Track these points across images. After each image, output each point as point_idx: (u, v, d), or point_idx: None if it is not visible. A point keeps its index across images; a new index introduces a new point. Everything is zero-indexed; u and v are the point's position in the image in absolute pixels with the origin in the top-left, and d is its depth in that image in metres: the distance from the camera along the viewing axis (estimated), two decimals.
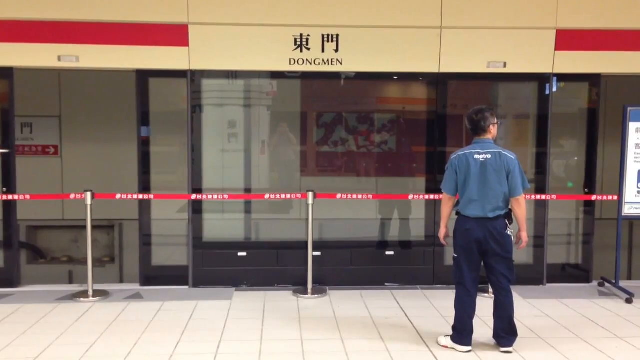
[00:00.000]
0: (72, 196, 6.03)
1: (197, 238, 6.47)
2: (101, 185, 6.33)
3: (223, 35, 6.24)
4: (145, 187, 6.34)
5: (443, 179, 4.83)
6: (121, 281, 6.52)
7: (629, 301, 5.99)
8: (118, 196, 6.11)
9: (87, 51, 6.12)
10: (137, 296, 6.08)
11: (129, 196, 6.15)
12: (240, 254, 6.51)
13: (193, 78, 6.34)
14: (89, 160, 6.37)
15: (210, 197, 6.38)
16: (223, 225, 6.79)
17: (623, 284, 6.32)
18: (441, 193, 4.89)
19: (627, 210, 6.25)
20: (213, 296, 6.11)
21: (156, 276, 6.45)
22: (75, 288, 6.32)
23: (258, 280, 6.48)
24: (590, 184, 6.61)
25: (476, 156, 4.64)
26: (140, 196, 6.22)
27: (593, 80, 6.59)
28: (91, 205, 5.99)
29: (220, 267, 6.49)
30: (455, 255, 4.74)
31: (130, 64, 6.20)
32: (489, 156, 4.62)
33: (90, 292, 6.00)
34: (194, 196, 6.34)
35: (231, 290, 6.34)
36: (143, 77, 6.29)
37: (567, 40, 6.38)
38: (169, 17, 6.16)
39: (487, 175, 4.60)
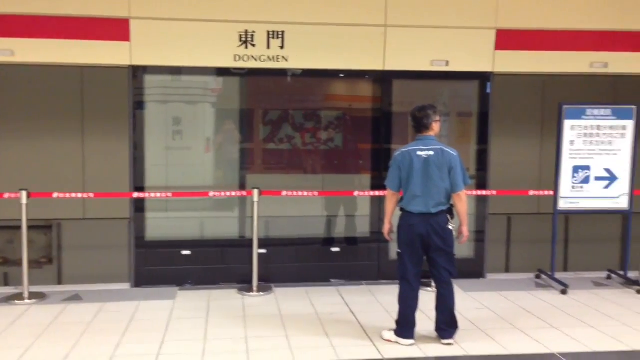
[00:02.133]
0: (6, 195, 5.81)
1: (140, 237, 6.34)
2: (39, 184, 6.12)
3: (166, 31, 6.13)
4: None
5: (387, 176, 4.89)
6: (60, 283, 6.31)
7: (563, 292, 6.21)
8: (55, 195, 5.92)
9: (23, 45, 5.92)
10: (75, 298, 5.91)
11: (67, 195, 5.97)
12: (184, 252, 6.42)
13: (135, 74, 6.21)
14: (25, 158, 6.14)
15: (152, 195, 6.25)
16: (166, 223, 6.68)
17: (559, 275, 6.55)
18: (386, 189, 4.94)
19: (562, 204, 6.47)
20: (156, 296, 6.00)
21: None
22: (10, 290, 6.09)
23: (202, 279, 6.40)
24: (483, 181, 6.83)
25: (419, 153, 4.71)
26: (79, 195, 6.04)
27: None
28: (27, 204, 5.79)
29: (164, 266, 6.39)
30: (399, 251, 4.81)
31: (69, 58, 6.02)
32: (431, 153, 4.70)
33: (26, 295, 5.80)
34: (135, 194, 6.21)
35: (174, 289, 6.24)
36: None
37: (507, 40, 6.55)
38: (110, 11, 6.02)
39: (430, 171, 4.68)
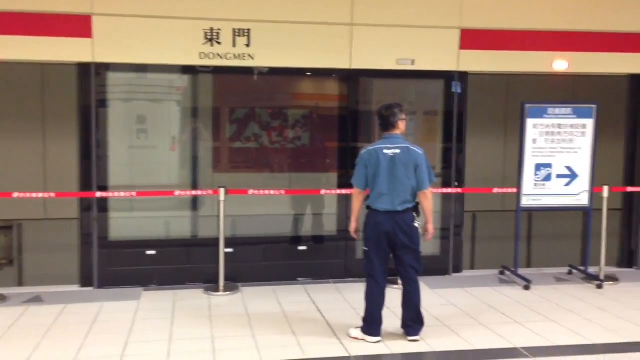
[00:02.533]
0: None
1: (103, 237, 6.23)
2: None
3: (130, 27, 6.03)
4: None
5: (353, 174, 4.90)
6: (20, 284, 6.17)
7: (526, 288, 6.32)
8: (15, 195, 5.78)
9: None
10: (37, 299, 5.78)
11: (28, 195, 5.83)
12: (149, 252, 6.34)
13: (98, 71, 6.10)
14: None
15: (116, 194, 6.15)
16: (131, 223, 6.58)
17: (522, 271, 6.66)
18: (353, 188, 4.96)
19: (525, 202, 6.58)
20: (120, 297, 5.91)
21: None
22: None
23: (168, 279, 6.33)
24: (459, 178, 6.91)
25: (385, 151, 4.74)
26: (40, 195, 5.91)
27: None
28: None
29: (128, 266, 6.29)
30: (366, 249, 4.83)
31: (29, 55, 5.88)
32: (397, 151, 4.73)
33: None
34: (98, 194, 6.10)
35: (139, 290, 6.16)
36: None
37: (471, 39, 6.63)
38: (71, 7, 5.90)
39: (396, 169, 4.71)
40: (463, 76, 6.79)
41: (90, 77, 6.05)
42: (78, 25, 5.90)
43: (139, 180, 6.54)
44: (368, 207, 4.85)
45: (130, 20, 6.03)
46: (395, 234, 4.72)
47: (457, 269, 6.98)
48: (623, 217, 7.32)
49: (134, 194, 6.22)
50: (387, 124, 4.83)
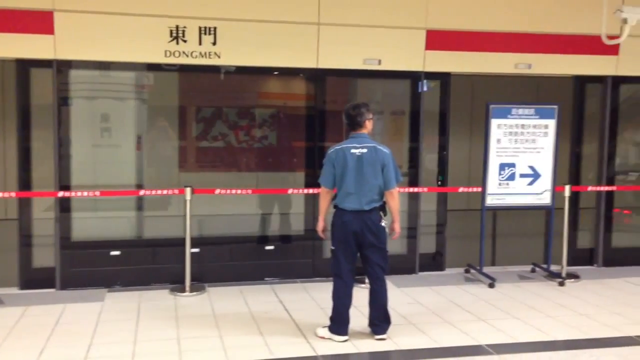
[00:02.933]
0: None
1: (65, 238, 6.11)
2: None
3: (93, 24, 5.92)
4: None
5: (321, 173, 4.91)
6: None
7: (491, 286, 6.42)
8: None
9: None
10: None
11: None
12: (113, 253, 6.24)
13: (60, 68, 5.97)
14: None
15: (79, 194, 6.03)
16: (95, 223, 6.46)
17: (487, 270, 6.76)
18: (320, 187, 4.96)
19: (490, 201, 6.68)
20: (83, 298, 5.80)
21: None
22: None
23: (133, 280, 6.24)
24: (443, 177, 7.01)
25: (353, 150, 4.75)
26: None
27: (463, 78, 6.97)
28: None
29: (92, 267, 6.18)
30: (333, 248, 4.84)
31: None
32: (365, 150, 4.75)
33: None
34: (60, 193, 5.97)
35: (103, 291, 6.06)
36: (22, 67, 5.87)
37: (437, 40, 6.70)
38: (32, 3, 5.76)
39: (363, 169, 4.73)
40: (446, 76, 6.87)
41: (52, 74, 5.92)
42: (39, 22, 5.77)
43: (103, 180, 6.42)
44: (335, 207, 4.86)
45: (94, 17, 5.92)
46: (362, 233, 4.74)
47: (440, 267, 7.06)
48: (568, 216, 7.18)
49: (97, 193, 6.11)
50: (355, 124, 4.85)
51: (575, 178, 7.33)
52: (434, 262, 7.08)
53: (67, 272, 6.12)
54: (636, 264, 7.42)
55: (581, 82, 7.26)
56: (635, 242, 7.71)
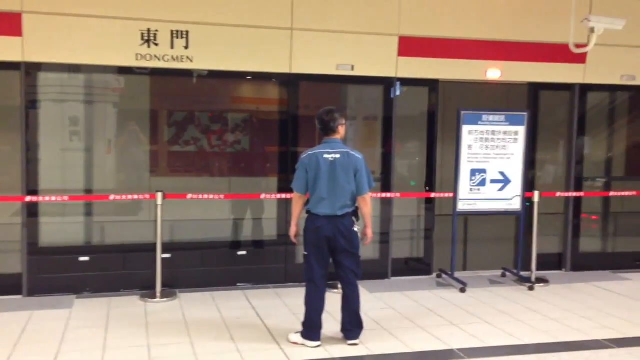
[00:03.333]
0: None
1: (33, 243, 5.99)
2: None
3: (62, 26, 5.84)
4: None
5: (294, 177, 4.90)
6: None
7: (462, 290, 6.48)
8: None
9: None
10: None
11: None
12: (82, 258, 6.13)
13: (28, 71, 5.87)
14: None
15: (47, 198, 5.92)
16: (63, 228, 6.34)
17: (458, 274, 6.82)
18: (293, 192, 4.95)
19: (461, 206, 6.74)
20: (51, 305, 5.69)
21: None
22: None
23: (102, 286, 6.14)
24: (430, 183, 7.06)
25: (326, 155, 4.75)
26: None
27: (433, 85, 7.04)
28: None
29: (60, 273, 6.07)
30: (306, 253, 4.82)
31: None
32: (337, 156, 4.75)
33: None
34: (28, 198, 5.86)
35: (72, 297, 5.95)
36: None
37: (409, 46, 6.75)
38: (0, 5, 5.65)
39: (336, 174, 4.73)
40: (434, 83, 6.94)
41: (20, 76, 5.82)
42: (7, 24, 5.67)
43: (72, 184, 6.32)
44: (308, 212, 4.86)
45: (63, 19, 5.84)
46: (335, 239, 4.74)
47: (429, 272, 7.12)
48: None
49: (66, 198, 6.00)
50: (328, 129, 4.86)
51: (530, 184, 7.38)
52: (423, 267, 7.15)
53: (35, 278, 6.00)
54: (603, 268, 7.58)
55: (535, 89, 7.35)
56: (602, 247, 7.87)
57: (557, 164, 7.75)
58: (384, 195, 6.85)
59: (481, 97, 7.33)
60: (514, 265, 7.29)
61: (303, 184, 4.83)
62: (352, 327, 4.85)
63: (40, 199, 5.91)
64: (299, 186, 4.86)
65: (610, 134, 7.93)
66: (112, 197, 6.13)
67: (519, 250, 7.04)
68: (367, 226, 4.91)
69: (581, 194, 7.48)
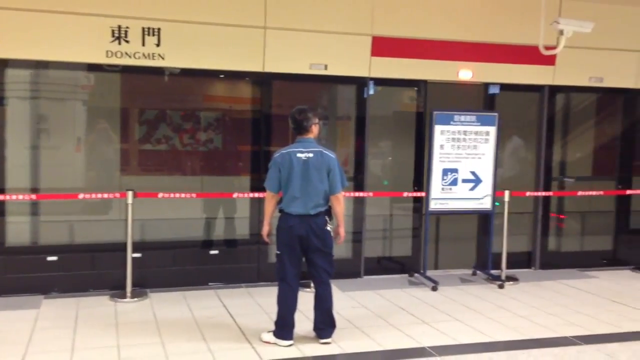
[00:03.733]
0: None
1: None
2: None
3: (30, 22, 5.73)
4: None
5: (267, 176, 4.88)
6: None
7: (434, 289, 6.53)
8: None
9: None
10: None
11: None
12: (50, 258, 6.03)
13: None
14: None
15: (14, 197, 5.80)
16: (30, 228, 6.22)
17: (430, 273, 6.88)
18: (265, 191, 4.93)
19: (433, 205, 6.80)
20: (17, 306, 5.58)
21: None
22: None
23: (71, 286, 6.04)
24: (418, 182, 7.11)
25: (299, 155, 4.75)
26: None
27: (409, 85, 7.08)
28: None
29: (27, 273, 5.95)
30: (279, 252, 4.81)
31: None
32: (311, 155, 4.75)
33: None
34: None
35: (39, 298, 5.85)
36: None
37: (382, 46, 6.78)
38: None
39: (309, 173, 4.73)
40: (423, 84, 7.02)
41: None
42: None
43: (40, 183, 6.20)
44: (281, 211, 4.85)
45: (31, 15, 5.73)
46: (308, 237, 4.74)
47: (417, 270, 7.11)
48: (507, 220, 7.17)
49: (34, 197, 5.89)
50: (301, 128, 4.85)
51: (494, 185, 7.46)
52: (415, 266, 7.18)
53: (1, 278, 5.87)
54: (571, 266, 7.72)
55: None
56: (570, 246, 8.01)
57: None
58: (356, 194, 6.86)
59: (457, 98, 7.39)
60: (477, 262, 7.37)
61: (276, 183, 4.82)
62: (324, 325, 4.85)
63: (7, 197, 5.79)
64: (271, 185, 4.85)
65: (578, 134, 8.08)
66: (81, 196, 6.03)
67: (489, 249, 7.09)
68: (339, 225, 4.91)
69: (550, 193, 7.60)
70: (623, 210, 8.00)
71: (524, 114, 7.81)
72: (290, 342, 4.77)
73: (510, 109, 7.48)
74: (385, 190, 7.33)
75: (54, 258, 6.05)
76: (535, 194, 7.55)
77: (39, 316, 5.34)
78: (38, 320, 5.22)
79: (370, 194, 6.93)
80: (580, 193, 7.56)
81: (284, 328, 4.78)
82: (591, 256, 7.91)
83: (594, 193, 7.64)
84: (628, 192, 7.80)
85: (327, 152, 4.82)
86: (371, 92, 6.94)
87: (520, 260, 7.64)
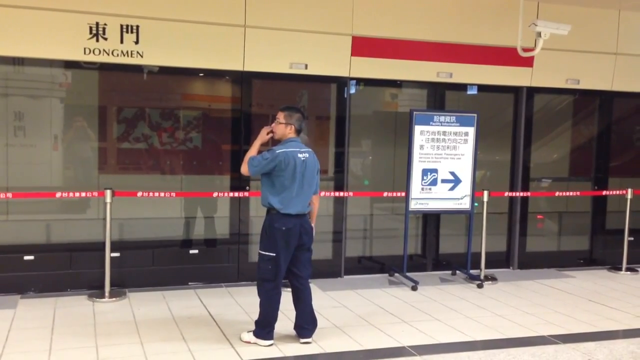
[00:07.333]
0: None
1: None
2: None
3: (6, 18, 5.64)
4: None
5: (257, 163, 4.69)
6: None
7: (414, 288, 6.57)
8: None
9: None
10: None
11: None
12: (27, 257, 5.93)
13: None
14: None
15: None
16: (7, 227, 6.11)
17: (410, 273, 6.91)
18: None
19: (413, 205, 6.84)
20: None
21: None
22: None
23: (48, 286, 5.96)
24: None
25: (299, 155, 4.72)
26: None
27: (389, 85, 7.10)
28: None
29: (3, 273, 5.86)
30: (274, 254, 4.68)
31: None
32: (307, 155, 4.77)
33: None
34: None
35: (16, 298, 5.76)
36: None
37: (362, 46, 6.79)
38: None
39: (307, 173, 4.74)
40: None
41: None
42: None
43: (16, 181, 6.10)
44: (275, 211, 4.71)
45: (7, 11, 5.64)
46: (301, 236, 4.74)
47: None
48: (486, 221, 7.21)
49: (9, 195, 5.79)
50: (301, 128, 4.88)
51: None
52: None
53: None
54: (548, 266, 7.81)
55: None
56: (547, 246, 8.11)
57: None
58: (336, 193, 6.87)
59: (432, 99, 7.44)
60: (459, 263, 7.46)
61: (261, 172, 4.72)
62: (305, 325, 4.84)
63: None
64: (256, 171, 4.71)
65: (555, 136, 8.18)
66: (58, 195, 5.95)
67: (468, 248, 7.14)
68: (313, 221, 4.92)
69: (528, 194, 7.69)
70: (599, 211, 8.13)
71: (502, 115, 7.88)
72: (271, 341, 4.76)
73: (488, 110, 7.54)
74: (366, 190, 7.34)
75: (31, 257, 5.96)
76: (514, 194, 7.63)
77: (16, 316, 5.25)
78: (14, 321, 5.14)
79: (350, 193, 6.94)
80: (557, 193, 7.65)
81: (265, 328, 4.76)
82: (568, 256, 8.02)
83: (570, 193, 7.75)
84: (604, 192, 7.92)
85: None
86: (352, 91, 6.94)
87: (499, 260, 7.71)
